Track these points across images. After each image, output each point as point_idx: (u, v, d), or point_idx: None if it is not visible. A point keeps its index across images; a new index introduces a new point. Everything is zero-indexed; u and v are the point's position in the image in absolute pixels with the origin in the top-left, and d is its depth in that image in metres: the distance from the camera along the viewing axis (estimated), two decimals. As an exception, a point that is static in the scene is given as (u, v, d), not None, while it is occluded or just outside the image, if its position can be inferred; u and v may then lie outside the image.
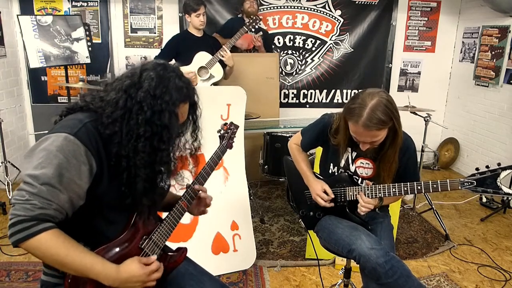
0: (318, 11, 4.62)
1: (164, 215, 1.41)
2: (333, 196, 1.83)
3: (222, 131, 1.77)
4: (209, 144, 1.69)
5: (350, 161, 1.84)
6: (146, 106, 1.14)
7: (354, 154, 1.83)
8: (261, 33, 4.03)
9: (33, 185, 1.04)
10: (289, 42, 4.67)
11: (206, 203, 1.54)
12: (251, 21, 3.60)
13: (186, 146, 1.33)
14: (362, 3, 4.64)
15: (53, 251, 1.05)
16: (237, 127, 1.81)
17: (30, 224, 1.02)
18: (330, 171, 1.91)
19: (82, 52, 3.82)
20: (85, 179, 1.10)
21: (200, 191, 1.50)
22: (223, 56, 3.45)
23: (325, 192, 1.83)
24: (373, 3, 4.65)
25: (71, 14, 4.19)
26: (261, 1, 4.48)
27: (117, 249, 1.19)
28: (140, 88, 1.15)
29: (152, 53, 4.37)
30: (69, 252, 1.07)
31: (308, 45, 4.71)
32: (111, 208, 1.20)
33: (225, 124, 1.79)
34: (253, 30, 3.64)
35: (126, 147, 1.14)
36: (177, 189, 1.51)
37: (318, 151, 2.15)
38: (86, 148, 1.10)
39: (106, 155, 1.15)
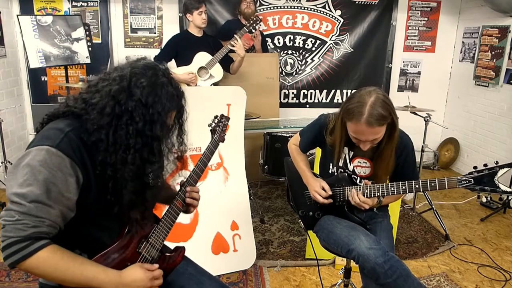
0: (318, 11, 4.62)
1: (162, 213, 1.39)
2: (330, 192, 1.83)
3: (213, 125, 1.70)
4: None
5: (347, 160, 1.84)
6: (137, 116, 1.09)
7: (351, 153, 1.83)
8: (254, 34, 4.03)
9: (22, 204, 1.00)
10: (289, 42, 4.67)
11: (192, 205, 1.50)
12: (251, 22, 3.59)
13: (173, 151, 1.28)
14: (362, 3, 4.64)
15: (52, 268, 1.03)
16: (228, 119, 1.73)
17: (24, 245, 0.99)
18: (329, 171, 1.91)
19: (82, 52, 3.82)
20: (73, 191, 1.07)
21: (187, 197, 1.45)
22: (233, 46, 3.38)
23: (323, 189, 1.83)
24: (373, 3, 4.65)
25: (71, 14, 4.19)
26: (261, 1, 4.48)
27: (116, 255, 1.18)
28: (130, 96, 1.10)
29: (152, 53, 4.33)
30: (69, 267, 1.05)
31: (308, 45, 4.71)
32: (104, 216, 1.17)
33: (216, 116, 1.72)
34: (253, 31, 3.63)
35: (112, 156, 1.09)
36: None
37: (318, 151, 2.15)
38: (70, 160, 1.05)
39: (91, 164, 1.10)
